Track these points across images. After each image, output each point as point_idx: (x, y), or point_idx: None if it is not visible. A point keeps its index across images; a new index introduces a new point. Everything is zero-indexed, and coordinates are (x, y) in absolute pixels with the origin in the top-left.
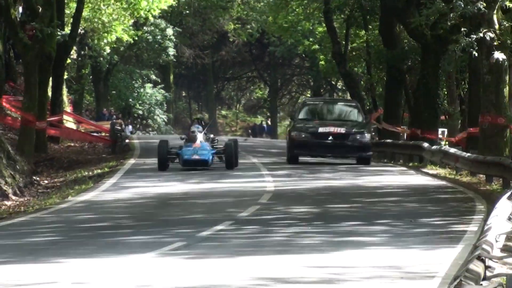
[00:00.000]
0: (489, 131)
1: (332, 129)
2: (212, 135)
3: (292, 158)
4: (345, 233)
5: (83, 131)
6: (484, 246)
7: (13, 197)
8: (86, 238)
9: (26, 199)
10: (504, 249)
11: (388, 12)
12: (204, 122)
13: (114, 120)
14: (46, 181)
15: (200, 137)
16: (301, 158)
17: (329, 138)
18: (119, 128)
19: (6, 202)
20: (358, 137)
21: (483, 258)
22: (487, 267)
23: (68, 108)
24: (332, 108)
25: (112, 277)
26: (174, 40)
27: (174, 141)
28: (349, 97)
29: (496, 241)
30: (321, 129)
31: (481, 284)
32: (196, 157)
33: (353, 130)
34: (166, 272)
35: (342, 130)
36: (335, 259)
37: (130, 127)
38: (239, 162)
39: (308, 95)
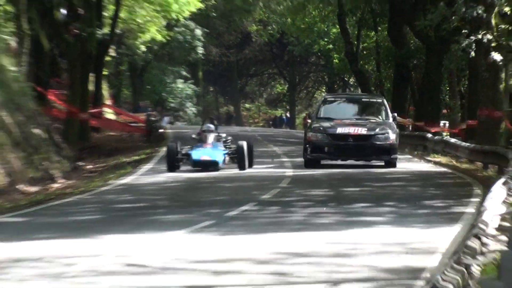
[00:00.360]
0: (486, 124)
1: (352, 129)
2: (224, 134)
3: (308, 162)
4: (356, 213)
5: (121, 121)
6: (480, 225)
7: (61, 181)
8: (125, 216)
9: (72, 182)
10: (499, 228)
11: (396, 15)
12: (216, 121)
13: (149, 112)
14: (89, 166)
15: (211, 137)
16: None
17: (349, 140)
18: (154, 119)
19: (54, 185)
20: (381, 138)
21: (480, 236)
22: (483, 244)
23: (108, 101)
24: (354, 106)
25: (150, 251)
26: (202, 40)
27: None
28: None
29: (491, 221)
30: (340, 130)
31: (478, 259)
32: (206, 158)
33: (377, 129)
34: (197, 247)
35: (363, 130)
36: (347, 237)
37: (167, 118)
38: (261, 150)
39: (323, 90)
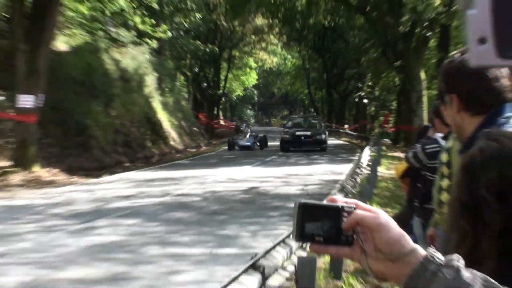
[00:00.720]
0: (362, 126)
1: (304, 132)
2: (254, 133)
3: (282, 149)
4: (313, 159)
5: (226, 125)
6: (360, 163)
7: (204, 147)
8: (228, 161)
9: (208, 147)
10: (367, 165)
11: (330, 84)
12: (250, 125)
13: (237, 121)
14: (214, 142)
15: (248, 133)
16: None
17: (302, 138)
18: (239, 124)
19: (201, 149)
20: (318, 137)
21: (360, 167)
22: (361, 170)
23: (221, 117)
24: (305, 121)
25: (237, 173)
26: (256, 94)
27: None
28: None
29: (364, 162)
30: (297, 133)
31: (359, 176)
32: (245, 144)
33: (315, 132)
34: (254, 172)
35: (309, 133)
36: (310, 168)
37: (244, 124)
38: (274, 136)
39: (301, 113)
